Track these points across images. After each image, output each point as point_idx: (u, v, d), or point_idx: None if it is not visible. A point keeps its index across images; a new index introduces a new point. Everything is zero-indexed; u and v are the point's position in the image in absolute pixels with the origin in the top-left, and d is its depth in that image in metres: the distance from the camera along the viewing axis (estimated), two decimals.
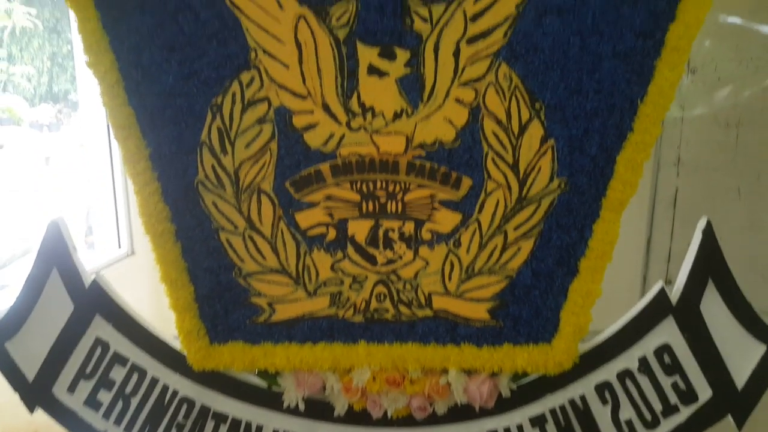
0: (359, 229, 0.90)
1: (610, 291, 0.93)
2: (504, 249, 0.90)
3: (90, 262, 2.97)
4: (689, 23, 0.81)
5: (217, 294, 0.92)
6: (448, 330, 0.92)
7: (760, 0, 1.34)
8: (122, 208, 3.16)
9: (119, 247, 3.17)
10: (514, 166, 0.87)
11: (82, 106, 3.09)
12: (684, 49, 0.82)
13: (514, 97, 0.84)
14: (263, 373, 0.95)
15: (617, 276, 0.99)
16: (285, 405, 0.94)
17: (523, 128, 0.85)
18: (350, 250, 0.90)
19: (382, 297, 0.92)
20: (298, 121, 0.86)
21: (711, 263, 0.90)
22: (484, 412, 0.94)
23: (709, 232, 0.89)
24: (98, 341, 0.95)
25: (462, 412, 0.93)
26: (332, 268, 0.91)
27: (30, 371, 0.96)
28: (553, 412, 0.94)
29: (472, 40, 0.82)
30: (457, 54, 0.83)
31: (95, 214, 3.46)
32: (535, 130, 0.85)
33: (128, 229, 3.19)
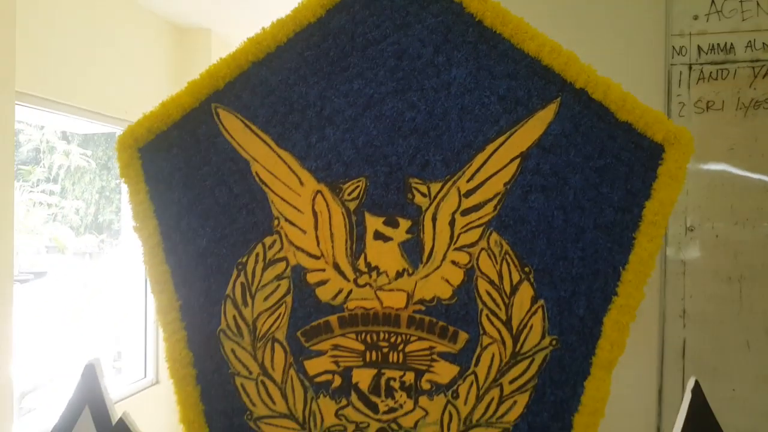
0: (363, 378, 0.96)
1: None
2: (500, 402, 0.94)
3: (116, 386, 3.13)
4: (663, 201, 0.90)
5: None
6: None
7: (754, 158, 1.46)
8: (151, 339, 3.39)
9: (144, 376, 3.35)
10: (508, 323, 0.93)
11: (123, 236, 3.38)
12: (660, 224, 0.90)
13: (504, 261, 0.93)
14: None
15: (629, 427, 1.00)
16: None
17: (514, 289, 0.93)
18: (354, 397, 0.97)
19: None
20: (311, 278, 0.97)
21: (701, 422, 0.92)
22: None
23: (698, 392, 0.92)
24: None
25: None
26: (336, 414, 0.97)
27: None
28: None
29: (465, 212, 0.93)
30: (452, 223, 0.93)
31: (125, 340, 3.67)
32: (526, 291, 0.93)
33: (155, 360, 3.39)
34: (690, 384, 0.93)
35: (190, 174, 1.00)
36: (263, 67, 1.00)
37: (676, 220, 1.55)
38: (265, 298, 0.98)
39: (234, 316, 0.98)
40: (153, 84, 3.31)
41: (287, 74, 0.99)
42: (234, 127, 1.00)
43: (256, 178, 0.98)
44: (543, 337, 0.93)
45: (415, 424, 0.95)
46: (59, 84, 2.62)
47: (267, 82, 0.99)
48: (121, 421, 1.01)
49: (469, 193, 0.93)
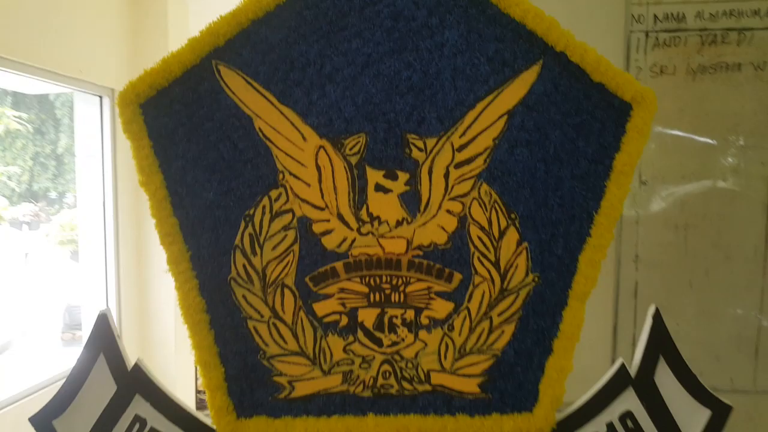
0: (368, 317, 1.06)
1: (583, 370, 1.10)
2: (490, 332, 1.07)
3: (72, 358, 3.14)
4: (631, 153, 1.02)
5: (244, 374, 1.07)
6: (444, 402, 1.07)
7: (701, 119, 1.63)
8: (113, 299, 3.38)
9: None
10: (496, 264, 1.05)
11: (80, 204, 3.28)
12: (628, 173, 1.02)
13: (493, 209, 1.03)
14: None
15: (589, 357, 1.16)
16: None
17: (501, 233, 1.04)
18: (360, 334, 1.06)
19: (387, 374, 1.07)
20: (317, 228, 1.04)
21: (661, 343, 1.08)
22: None
23: (657, 317, 1.08)
24: (137, 418, 1.07)
25: None
26: (344, 350, 1.07)
27: None
28: None
29: (458, 165, 1.02)
30: (446, 176, 1.02)
31: (86, 310, 3.60)
32: (512, 235, 1.04)
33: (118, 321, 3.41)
34: (651, 311, 1.08)
35: (194, 129, 1.03)
36: (263, 26, 1.03)
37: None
38: (273, 248, 1.04)
39: (243, 265, 1.04)
40: (108, 43, 3.16)
41: (287, 33, 1.03)
42: (236, 84, 1.03)
43: (260, 134, 1.03)
44: (527, 274, 1.05)
45: (416, 354, 1.07)
46: (11, 41, 2.48)
47: (267, 40, 1.03)
48: (136, 366, 1.07)
49: (461, 148, 1.02)
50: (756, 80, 1.63)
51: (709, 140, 1.66)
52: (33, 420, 1.06)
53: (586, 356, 1.14)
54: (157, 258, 3.54)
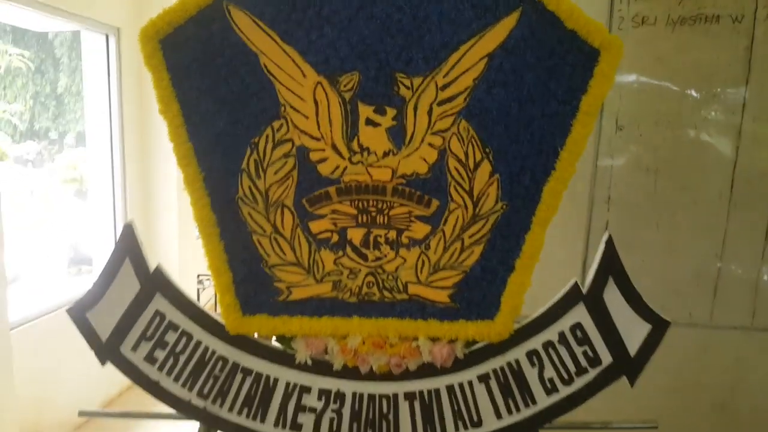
0: (355, 235, 1.22)
1: (553, 294, 1.26)
2: (461, 251, 1.22)
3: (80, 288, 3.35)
4: (596, 95, 1.13)
5: (249, 279, 1.24)
6: (419, 309, 1.25)
7: (677, 69, 1.71)
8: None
9: None
10: (470, 192, 1.19)
11: (89, 142, 3.37)
12: (593, 113, 1.14)
13: (470, 144, 1.16)
14: (281, 338, 1.27)
15: (561, 284, 1.29)
16: (296, 362, 1.26)
17: (476, 165, 1.17)
18: (348, 249, 1.22)
19: (371, 284, 1.24)
20: (314, 156, 1.18)
21: (610, 265, 1.24)
22: (444, 371, 1.26)
23: (609, 243, 1.23)
24: (157, 313, 1.26)
25: (427, 370, 1.26)
26: (334, 262, 1.23)
27: (104, 334, 1.27)
28: (495, 371, 1.26)
29: (441, 103, 1.14)
30: (430, 112, 1.15)
31: (96, 243, 3.77)
32: (485, 168, 1.17)
33: None
34: (605, 237, 1.23)
35: (206, 64, 1.14)
36: None
37: (609, 120, 1.83)
38: (275, 172, 1.18)
39: (249, 186, 1.19)
40: None
41: None
42: (244, 23, 1.13)
43: (265, 70, 1.14)
44: (496, 202, 1.19)
45: (396, 268, 1.23)
46: None
47: None
48: (157, 269, 1.24)
49: (444, 87, 1.14)
50: (733, 33, 1.70)
51: (683, 89, 1.75)
52: (70, 312, 1.25)
53: (557, 287, 1.29)
54: (164, 193, 3.70)
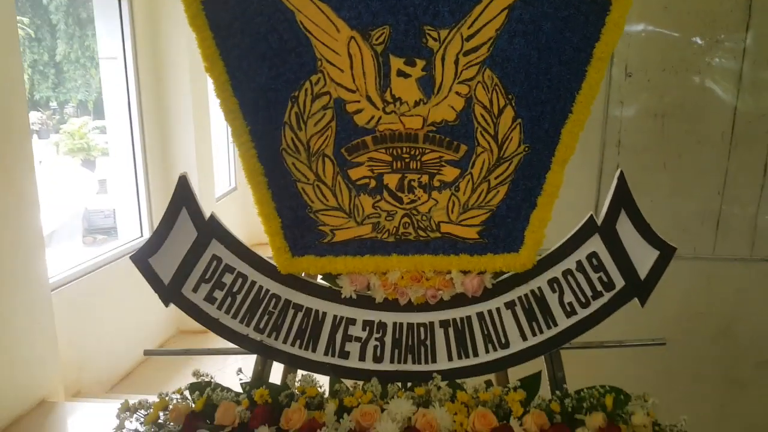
0: (391, 180, 1.33)
1: (569, 230, 1.37)
2: (488, 192, 1.34)
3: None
4: (609, 42, 1.22)
5: (296, 224, 1.37)
6: (451, 245, 1.38)
7: (682, 17, 1.77)
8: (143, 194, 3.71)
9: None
10: (495, 137, 1.30)
11: (108, 110, 3.44)
12: (605, 59, 1.23)
13: (494, 91, 1.26)
14: (327, 276, 1.41)
15: (576, 222, 1.41)
16: (342, 297, 1.40)
17: (500, 111, 1.27)
18: (385, 194, 1.34)
19: (407, 225, 1.37)
20: (350, 108, 1.28)
21: (623, 198, 1.36)
22: (475, 300, 1.40)
23: (621, 179, 1.34)
24: (214, 257, 1.39)
25: (460, 300, 1.40)
26: (373, 206, 1.35)
27: (166, 278, 1.40)
28: (520, 298, 1.40)
29: (466, 53, 1.23)
30: (456, 62, 1.24)
31: (120, 210, 3.88)
32: (509, 113, 1.27)
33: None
34: (617, 174, 1.35)
35: (246, 23, 1.23)
36: None
37: (618, 67, 1.91)
38: (315, 124, 1.29)
39: (291, 138, 1.30)
40: None
41: None
42: None
43: (301, 26, 1.23)
44: (519, 145, 1.30)
45: (429, 209, 1.35)
46: None
47: None
48: (212, 217, 1.37)
49: (469, 38, 1.22)
50: None
51: (688, 37, 1.82)
52: (133, 258, 1.38)
53: (573, 223, 1.41)
54: (182, 156, 3.79)
